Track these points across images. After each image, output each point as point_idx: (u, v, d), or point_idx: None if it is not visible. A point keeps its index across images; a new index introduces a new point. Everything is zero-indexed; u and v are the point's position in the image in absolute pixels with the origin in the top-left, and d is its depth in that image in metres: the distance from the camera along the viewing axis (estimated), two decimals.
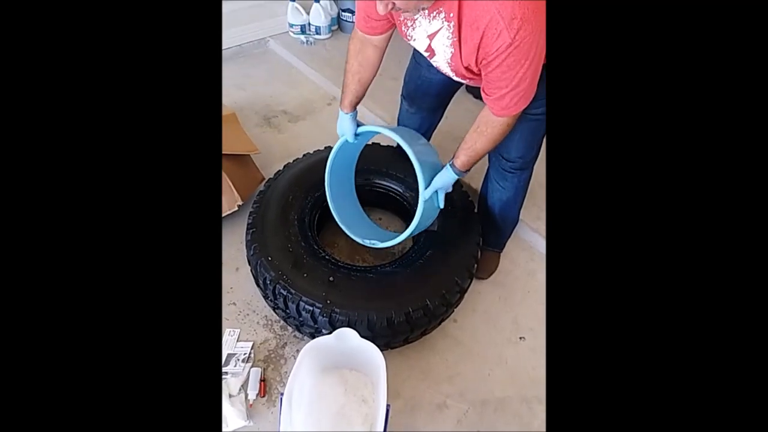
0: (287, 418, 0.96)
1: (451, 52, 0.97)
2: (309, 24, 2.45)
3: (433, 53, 1.03)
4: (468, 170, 1.13)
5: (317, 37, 2.47)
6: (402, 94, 1.48)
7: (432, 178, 1.14)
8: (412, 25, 1.00)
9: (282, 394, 0.97)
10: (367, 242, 1.33)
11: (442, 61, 1.03)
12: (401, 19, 1.01)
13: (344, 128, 1.23)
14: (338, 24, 2.55)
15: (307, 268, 1.18)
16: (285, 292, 1.14)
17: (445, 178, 1.14)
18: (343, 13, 2.49)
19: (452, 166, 1.13)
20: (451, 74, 1.07)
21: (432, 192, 1.14)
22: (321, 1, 2.38)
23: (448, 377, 1.27)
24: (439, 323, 1.26)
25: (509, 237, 1.53)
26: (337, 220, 1.38)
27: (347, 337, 1.01)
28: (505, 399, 1.24)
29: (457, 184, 1.46)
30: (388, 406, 0.94)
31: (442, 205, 1.19)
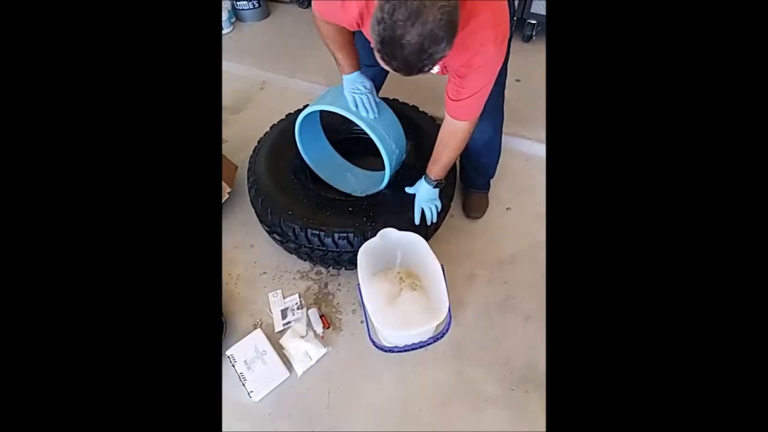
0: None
1: None
2: None
3: None
4: (443, 179, 1.27)
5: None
6: None
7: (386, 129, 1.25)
8: None
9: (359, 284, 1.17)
10: (359, 193, 1.48)
11: None
12: None
13: (357, 87, 1.23)
14: (236, 15, 2.60)
15: (326, 208, 1.34)
16: (318, 232, 1.29)
17: (424, 191, 1.27)
18: (237, 3, 2.54)
19: (427, 178, 1.26)
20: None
21: (419, 208, 1.27)
22: None
23: (466, 254, 1.52)
24: (444, 217, 1.49)
25: (494, 173, 1.61)
26: (323, 177, 1.53)
27: (389, 234, 1.20)
28: (515, 254, 1.52)
29: (431, 121, 1.65)
30: (442, 266, 1.15)
31: (435, 219, 1.30)
